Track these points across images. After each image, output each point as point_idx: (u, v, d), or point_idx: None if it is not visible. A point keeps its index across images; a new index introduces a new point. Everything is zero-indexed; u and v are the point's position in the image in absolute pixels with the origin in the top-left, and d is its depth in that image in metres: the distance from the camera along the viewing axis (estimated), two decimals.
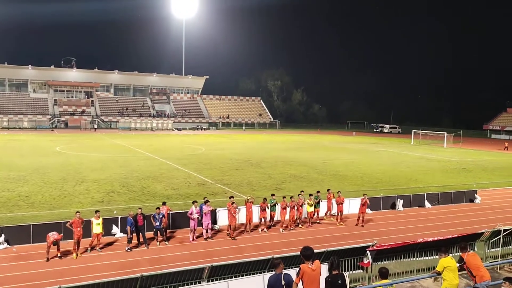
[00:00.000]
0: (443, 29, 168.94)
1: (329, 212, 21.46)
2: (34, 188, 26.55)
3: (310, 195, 20.57)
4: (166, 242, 17.35)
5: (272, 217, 19.78)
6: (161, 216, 17.13)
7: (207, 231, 17.96)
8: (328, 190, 21.99)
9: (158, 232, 17.21)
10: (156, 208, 17.44)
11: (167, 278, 11.59)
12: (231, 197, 19.38)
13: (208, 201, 18.69)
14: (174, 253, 16.28)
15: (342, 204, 20.78)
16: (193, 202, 18.27)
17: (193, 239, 17.60)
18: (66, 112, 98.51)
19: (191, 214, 17.62)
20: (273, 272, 8.84)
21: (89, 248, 16.22)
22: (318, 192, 21.40)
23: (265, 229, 19.30)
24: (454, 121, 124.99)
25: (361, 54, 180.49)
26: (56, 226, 16.59)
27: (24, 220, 19.25)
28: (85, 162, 38.54)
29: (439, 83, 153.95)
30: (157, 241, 17.24)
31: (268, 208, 19.35)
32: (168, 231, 18.00)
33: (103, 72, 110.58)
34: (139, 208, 17.36)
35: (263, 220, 19.34)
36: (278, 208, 19.81)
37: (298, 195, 20.41)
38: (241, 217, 19.18)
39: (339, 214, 20.87)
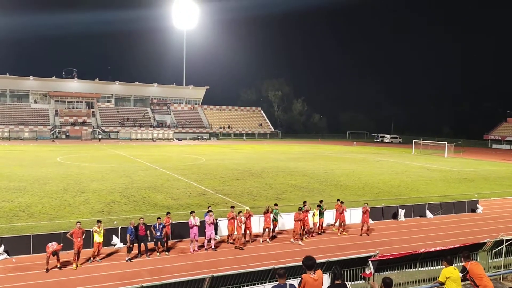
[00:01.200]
0: (444, 39, 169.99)
1: (336, 222, 21.19)
2: (34, 199, 26.48)
3: (318, 206, 20.48)
4: (167, 253, 17.25)
5: (274, 227, 19.66)
6: (161, 226, 17.05)
7: (209, 241, 17.84)
8: (338, 200, 21.70)
9: (159, 242, 17.12)
10: (157, 218, 17.37)
11: None
12: (232, 207, 19.29)
13: (211, 210, 18.52)
14: (175, 264, 16.17)
15: (343, 213, 20.68)
16: (191, 213, 18.13)
17: (193, 250, 17.51)
18: (67, 122, 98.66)
19: (191, 224, 17.56)
20: (277, 283, 8.75)
21: (91, 258, 16.15)
22: (321, 201, 21.30)
23: (267, 240, 19.18)
24: (455, 131, 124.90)
25: (362, 64, 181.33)
26: (56, 236, 16.50)
27: (24, 230, 19.15)
28: (86, 172, 38.50)
29: (440, 93, 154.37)
30: (158, 252, 17.14)
31: (271, 218, 19.19)
32: (169, 241, 17.89)
33: (104, 83, 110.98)
34: (141, 218, 17.29)
35: (266, 230, 19.21)
36: (280, 218, 19.66)
37: (304, 206, 20.07)
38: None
39: (341, 224, 20.77)
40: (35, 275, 14.67)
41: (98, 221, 16.67)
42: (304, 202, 20.79)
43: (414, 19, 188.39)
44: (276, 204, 20.60)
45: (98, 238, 16.13)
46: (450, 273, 10.00)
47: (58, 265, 15.21)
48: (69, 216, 22.30)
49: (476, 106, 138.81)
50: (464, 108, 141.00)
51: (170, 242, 18.09)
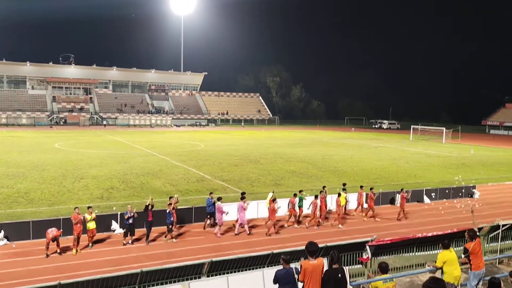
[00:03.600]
0: (441, 25, 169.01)
1: (360, 207, 21.86)
2: (33, 185, 26.53)
3: (344, 189, 21.22)
4: (174, 240, 17.29)
5: (300, 213, 20.11)
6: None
7: (242, 226, 18.21)
8: (361, 186, 22.30)
9: (171, 226, 17.29)
10: (168, 204, 17.50)
11: (167, 274, 11.61)
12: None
13: (244, 197, 18.64)
14: (181, 248, 16.30)
15: (373, 199, 21.22)
16: (218, 199, 18.44)
17: (221, 234, 17.90)
18: (65, 109, 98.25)
19: (220, 209, 17.89)
20: (280, 267, 8.85)
21: (90, 244, 16.26)
22: (344, 184, 22.49)
23: (295, 225, 19.62)
24: (453, 117, 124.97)
25: (360, 50, 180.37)
26: (56, 222, 16.59)
27: (24, 216, 19.25)
28: (84, 158, 38.50)
29: (438, 79, 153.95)
30: (165, 237, 17.22)
31: (296, 203, 19.73)
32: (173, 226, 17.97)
33: (101, 69, 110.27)
34: (151, 205, 17.26)
35: (291, 216, 19.79)
36: (305, 203, 20.23)
37: (321, 191, 20.54)
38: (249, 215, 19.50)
39: (369, 210, 21.46)
40: (35, 260, 14.80)
41: (89, 207, 16.77)
42: (324, 187, 21.50)
43: (413, 6, 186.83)
44: (301, 191, 20.97)
45: (91, 224, 16.17)
46: (445, 256, 10.09)
47: (58, 251, 15.33)
48: (68, 202, 22.38)
49: (474, 92, 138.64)
50: (462, 94, 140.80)
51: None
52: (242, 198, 18.39)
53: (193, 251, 16.13)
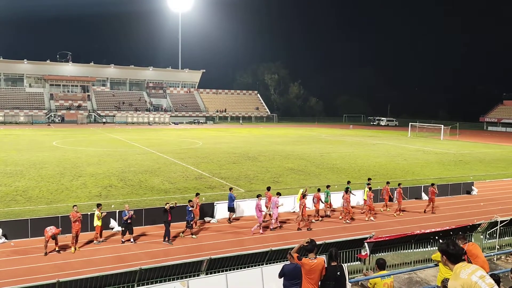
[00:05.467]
0: (439, 22, 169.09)
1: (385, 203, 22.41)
2: (31, 183, 26.49)
3: (368, 184, 21.60)
4: (194, 236, 17.37)
5: (329, 207, 20.92)
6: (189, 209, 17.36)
7: (276, 221, 18.55)
8: (387, 182, 22.90)
9: (192, 223, 17.45)
10: (189, 201, 17.67)
11: (165, 271, 11.61)
12: (278, 193, 19.56)
13: (280, 193, 19.34)
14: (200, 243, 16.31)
15: (401, 195, 21.76)
16: (257, 196, 18.72)
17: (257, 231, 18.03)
18: (63, 106, 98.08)
19: (258, 206, 18.11)
20: (288, 262, 8.87)
21: (100, 240, 16.44)
22: (369, 179, 23.38)
23: (319, 218, 20.19)
24: (451, 114, 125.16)
25: (359, 48, 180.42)
26: (54, 220, 16.58)
27: (22, 214, 19.23)
28: (82, 156, 38.45)
29: (436, 76, 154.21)
30: (182, 233, 17.35)
31: (322, 198, 20.46)
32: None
33: (99, 66, 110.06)
34: (172, 204, 17.29)
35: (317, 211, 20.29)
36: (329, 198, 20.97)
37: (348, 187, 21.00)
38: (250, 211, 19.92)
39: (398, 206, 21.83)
40: (33, 259, 14.78)
41: (99, 205, 16.92)
42: (348, 181, 22.34)
43: (412, 3, 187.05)
44: (328, 186, 21.61)
45: (98, 222, 16.32)
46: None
47: (57, 249, 15.32)
48: (67, 200, 22.36)
49: (472, 89, 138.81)
50: (460, 91, 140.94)
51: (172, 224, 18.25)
52: (278, 194, 19.00)
53: (217, 245, 16.45)
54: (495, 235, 15.62)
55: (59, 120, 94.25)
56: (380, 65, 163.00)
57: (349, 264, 13.13)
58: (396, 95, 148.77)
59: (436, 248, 10.61)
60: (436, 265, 10.49)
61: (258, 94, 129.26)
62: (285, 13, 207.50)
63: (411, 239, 14.38)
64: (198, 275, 11.81)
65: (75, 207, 16.24)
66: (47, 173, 29.92)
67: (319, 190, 20.60)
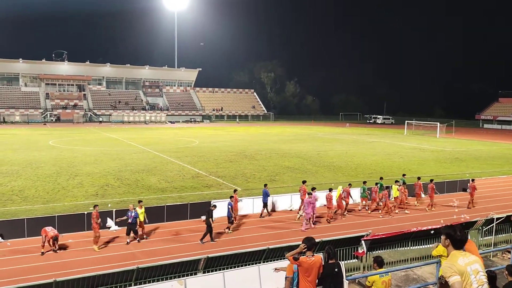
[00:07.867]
0: (435, 21, 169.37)
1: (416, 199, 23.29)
2: (28, 182, 26.40)
3: (396, 181, 22.33)
4: (229, 231, 17.85)
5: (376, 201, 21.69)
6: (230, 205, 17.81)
7: (310, 221, 18.76)
8: (418, 178, 23.97)
9: (232, 219, 17.98)
10: (230, 197, 18.23)
11: (163, 270, 11.61)
12: (313, 188, 20.01)
13: (315, 188, 20.15)
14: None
15: (434, 190, 22.43)
16: (308, 194, 18.93)
17: (308, 227, 18.32)
18: (58, 106, 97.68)
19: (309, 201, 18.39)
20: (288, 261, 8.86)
21: (144, 236, 16.89)
22: (404, 175, 24.76)
23: (345, 213, 20.80)
24: (447, 112, 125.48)
25: (354, 45, 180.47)
26: (50, 220, 16.54)
27: (18, 214, 19.16)
28: (79, 155, 38.34)
29: (432, 74, 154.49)
30: (227, 228, 17.87)
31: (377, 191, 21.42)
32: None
33: (95, 65, 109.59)
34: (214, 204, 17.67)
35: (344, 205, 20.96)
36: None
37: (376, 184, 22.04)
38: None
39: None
40: (30, 258, 14.74)
41: (140, 201, 17.57)
42: (381, 177, 23.33)
43: (408, 1, 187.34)
44: (365, 182, 22.61)
45: (141, 217, 16.93)
46: (443, 251, 10.09)
47: (54, 249, 15.27)
48: (63, 199, 22.30)
49: (468, 86, 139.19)
50: (456, 88, 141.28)
51: (171, 223, 18.24)
52: (310, 194, 19.10)
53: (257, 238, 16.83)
54: (491, 232, 15.69)
55: (52, 119, 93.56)
56: (377, 63, 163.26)
57: (346, 262, 13.16)
58: (392, 93, 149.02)
59: (432, 245, 10.63)
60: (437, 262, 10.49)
61: (255, 93, 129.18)
62: (281, 11, 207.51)
63: (408, 237, 14.43)
64: (195, 274, 11.81)
65: (96, 207, 16.47)
66: (44, 172, 29.82)
67: (364, 182, 22.17)
